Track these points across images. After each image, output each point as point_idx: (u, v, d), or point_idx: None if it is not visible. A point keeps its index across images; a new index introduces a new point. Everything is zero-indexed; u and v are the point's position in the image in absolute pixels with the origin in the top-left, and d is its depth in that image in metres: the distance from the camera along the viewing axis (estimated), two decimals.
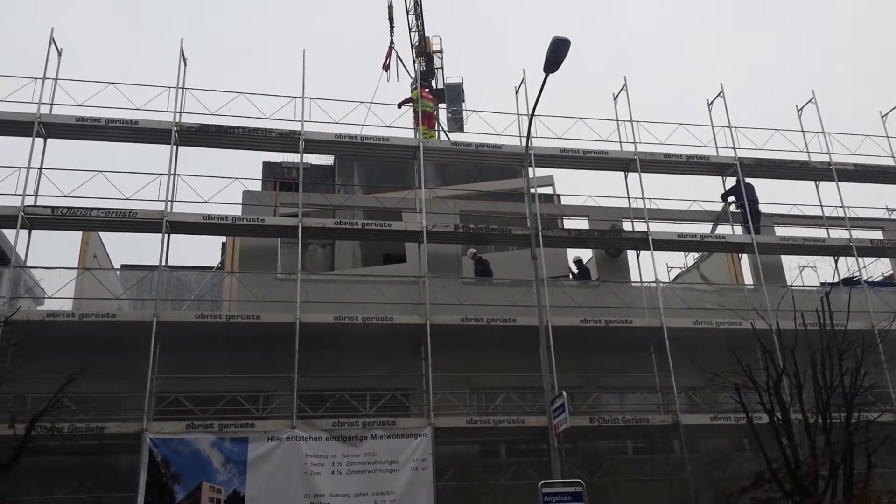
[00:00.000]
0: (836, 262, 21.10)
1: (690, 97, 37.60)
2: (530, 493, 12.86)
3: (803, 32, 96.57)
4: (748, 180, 21.54)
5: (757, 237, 20.03)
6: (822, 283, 21.07)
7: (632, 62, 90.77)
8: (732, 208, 21.27)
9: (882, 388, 17.51)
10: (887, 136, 22.58)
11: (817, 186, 21.63)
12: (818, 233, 21.45)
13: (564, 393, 13.62)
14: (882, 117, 22.94)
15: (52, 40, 18.08)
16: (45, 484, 14.72)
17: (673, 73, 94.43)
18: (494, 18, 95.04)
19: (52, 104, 17.73)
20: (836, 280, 20.67)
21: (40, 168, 17.20)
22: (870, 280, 21.95)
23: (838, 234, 21.12)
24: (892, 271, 23.74)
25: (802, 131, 21.87)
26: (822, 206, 21.31)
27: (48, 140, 17.72)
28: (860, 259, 20.83)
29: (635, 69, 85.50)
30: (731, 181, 21.11)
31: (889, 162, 22.33)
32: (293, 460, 15.01)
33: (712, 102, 21.59)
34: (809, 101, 22.14)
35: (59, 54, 18.24)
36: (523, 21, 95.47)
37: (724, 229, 21.21)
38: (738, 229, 20.85)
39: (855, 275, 20.88)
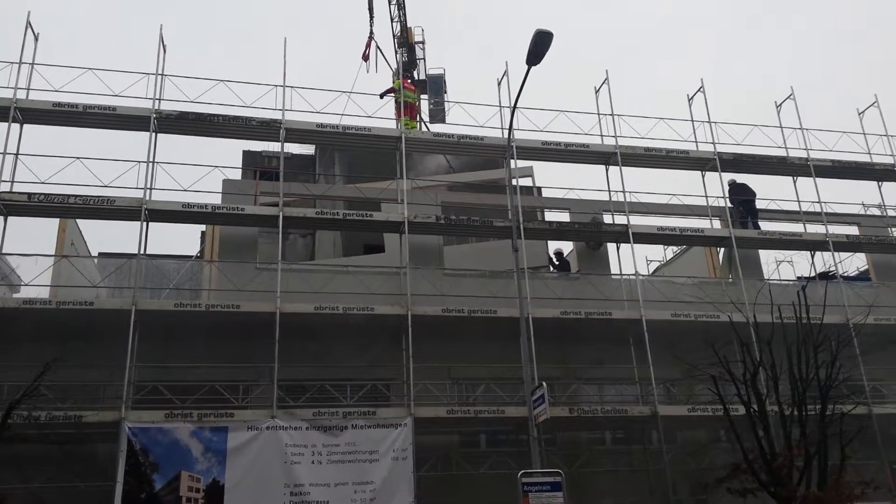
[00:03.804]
0: (812, 256, 21.38)
1: (681, 91, 37.86)
2: (510, 483, 12.94)
3: (787, 31, 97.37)
4: (744, 179, 21.84)
5: (735, 231, 20.26)
6: (799, 278, 21.34)
7: (626, 55, 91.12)
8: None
9: (856, 381, 17.73)
10: (864, 133, 22.90)
11: (795, 182, 21.92)
12: (795, 227, 21.74)
13: (544, 384, 13.71)
14: (859, 114, 23.24)
15: (29, 24, 17.82)
16: (22, 473, 14.55)
17: (666, 67, 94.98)
18: (478, 9, 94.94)
19: (28, 89, 17.49)
20: (813, 274, 20.94)
21: (17, 154, 16.95)
22: (846, 274, 22.24)
23: (815, 229, 21.36)
24: (867, 266, 24.05)
25: (781, 127, 22.10)
26: (799, 201, 21.60)
27: (25, 125, 17.44)
28: (836, 254, 21.12)
29: (629, 62, 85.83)
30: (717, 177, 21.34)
31: (865, 158, 22.65)
32: (273, 450, 14.96)
33: (692, 98, 21.74)
34: (788, 98, 22.35)
35: (36, 39, 17.98)
36: (508, 12, 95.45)
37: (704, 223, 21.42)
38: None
39: (831, 269, 21.16)
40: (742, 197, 21.84)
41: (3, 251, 16.69)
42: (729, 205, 21.50)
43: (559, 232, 20.44)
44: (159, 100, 17.90)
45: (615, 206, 20.10)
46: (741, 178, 22.27)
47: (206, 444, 14.77)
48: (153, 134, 17.57)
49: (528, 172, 24.39)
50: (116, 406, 14.77)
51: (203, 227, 21.85)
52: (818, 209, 21.32)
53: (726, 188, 21.40)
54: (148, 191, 16.93)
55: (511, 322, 15.89)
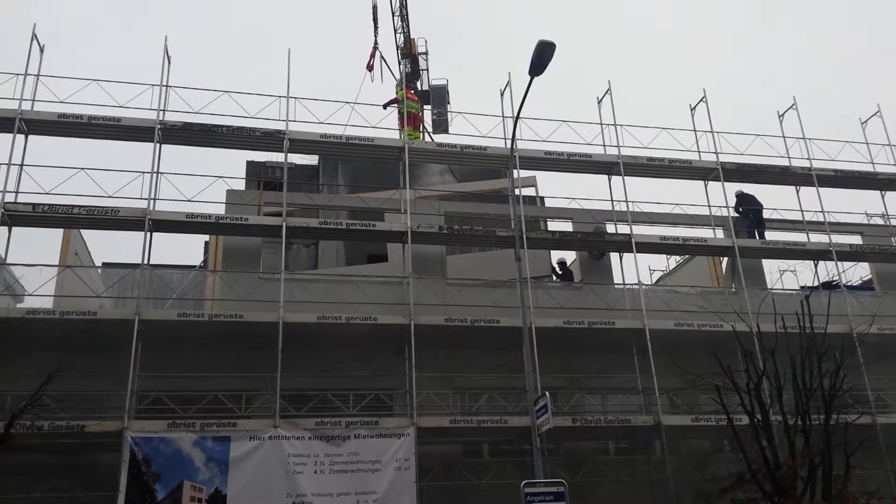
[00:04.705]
0: (815, 266, 21.34)
1: (682, 92, 38.00)
2: (513, 493, 12.88)
3: (788, 38, 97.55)
4: (750, 190, 21.85)
5: (738, 241, 20.25)
6: (802, 287, 21.31)
7: (627, 57, 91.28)
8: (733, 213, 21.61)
9: (860, 390, 17.71)
10: (867, 143, 22.89)
11: (798, 191, 21.95)
12: (798, 237, 21.72)
13: (547, 393, 13.69)
14: (861, 124, 23.25)
15: (35, 36, 17.93)
16: (24, 482, 14.59)
17: (667, 68, 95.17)
18: (481, 21, 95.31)
19: (33, 100, 17.60)
20: (816, 284, 20.91)
21: (21, 164, 17.02)
22: (849, 284, 22.19)
23: (818, 238, 21.36)
24: (870, 276, 24.02)
25: (783, 137, 22.11)
26: (802, 210, 21.61)
27: (29, 136, 17.55)
28: (840, 263, 21.08)
29: (630, 65, 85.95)
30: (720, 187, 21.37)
31: (868, 168, 22.66)
32: (275, 460, 14.94)
33: (695, 107, 21.78)
34: (791, 108, 22.37)
35: (42, 50, 18.08)
36: (511, 24, 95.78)
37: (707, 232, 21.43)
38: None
39: (834, 279, 21.13)
40: (751, 207, 21.85)
41: (8, 261, 16.76)
42: (735, 214, 21.52)
43: (562, 241, 20.45)
44: (163, 111, 18.02)
45: (618, 215, 20.14)
46: (747, 188, 22.30)
47: (208, 453, 14.75)
48: (157, 145, 17.64)
49: (531, 182, 24.44)
50: (119, 416, 14.78)
51: (207, 238, 21.90)
52: (821, 219, 21.30)
53: (730, 198, 21.45)
54: (152, 201, 17.00)
55: (514, 331, 15.88)
